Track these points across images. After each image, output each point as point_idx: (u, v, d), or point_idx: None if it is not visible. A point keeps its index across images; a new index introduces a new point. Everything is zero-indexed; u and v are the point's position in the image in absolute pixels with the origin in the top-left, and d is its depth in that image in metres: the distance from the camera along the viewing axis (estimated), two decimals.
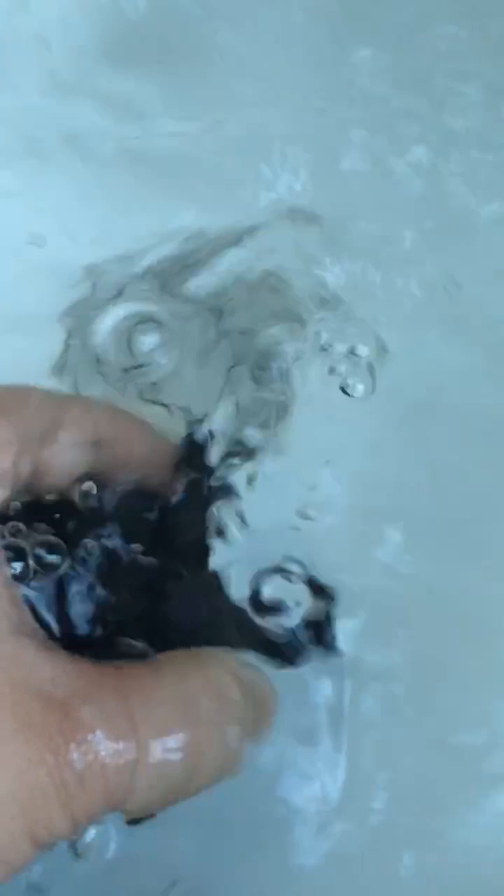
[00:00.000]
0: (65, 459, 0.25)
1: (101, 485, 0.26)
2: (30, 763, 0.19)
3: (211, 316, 0.32)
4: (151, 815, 0.24)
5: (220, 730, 0.22)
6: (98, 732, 0.20)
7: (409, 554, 0.30)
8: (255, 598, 0.27)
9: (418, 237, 0.34)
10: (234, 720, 0.23)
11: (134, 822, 0.24)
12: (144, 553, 0.26)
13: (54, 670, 0.21)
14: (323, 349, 0.31)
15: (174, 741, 0.21)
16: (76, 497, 0.26)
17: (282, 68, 0.36)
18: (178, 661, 0.23)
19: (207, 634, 0.26)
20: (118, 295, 0.32)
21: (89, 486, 0.26)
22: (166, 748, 0.21)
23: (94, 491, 0.26)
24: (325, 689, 0.28)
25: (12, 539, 0.25)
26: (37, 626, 0.22)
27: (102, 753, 0.20)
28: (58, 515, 0.26)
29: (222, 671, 0.23)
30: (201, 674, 0.23)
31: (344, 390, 0.31)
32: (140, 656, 0.24)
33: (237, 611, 0.27)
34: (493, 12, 0.37)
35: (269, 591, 0.27)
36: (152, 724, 0.21)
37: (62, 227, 0.34)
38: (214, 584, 0.27)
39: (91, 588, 0.25)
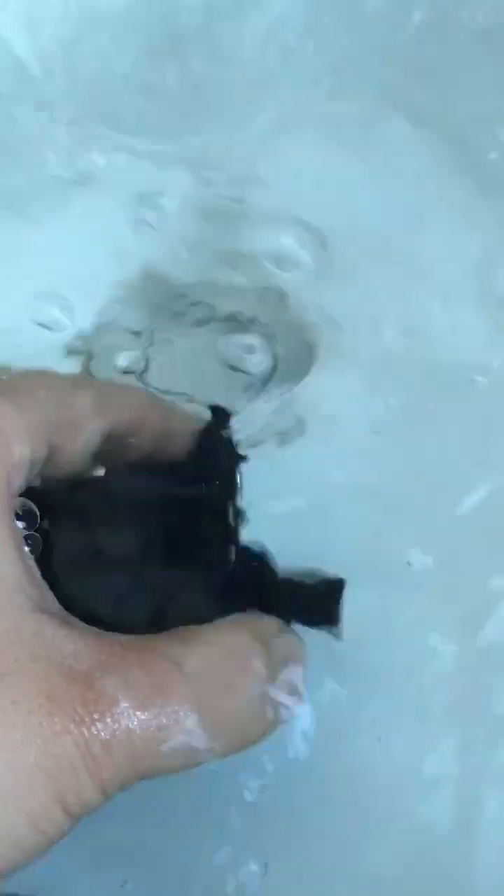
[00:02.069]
0: (79, 444, 0.25)
1: (114, 467, 0.27)
2: (55, 734, 0.20)
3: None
4: None
5: (245, 696, 0.23)
6: (122, 702, 0.21)
7: None
8: None
9: None
10: (257, 688, 0.23)
11: None
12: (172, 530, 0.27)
13: (76, 644, 0.21)
14: None
15: (198, 709, 0.22)
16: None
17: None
18: (204, 632, 0.23)
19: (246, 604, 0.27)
20: None
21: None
22: (191, 716, 0.21)
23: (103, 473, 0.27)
24: None
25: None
26: (57, 603, 0.23)
27: (127, 722, 0.21)
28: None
29: (248, 639, 0.24)
30: (227, 641, 0.23)
31: None
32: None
33: (278, 583, 0.28)
34: None
35: None
36: (177, 692, 0.21)
37: None
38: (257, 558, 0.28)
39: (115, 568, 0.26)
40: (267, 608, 0.27)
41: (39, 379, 0.26)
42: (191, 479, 0.28)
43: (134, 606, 0.26)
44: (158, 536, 0.27)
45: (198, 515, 0.28)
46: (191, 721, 0.21)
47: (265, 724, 0.23)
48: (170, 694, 0.21)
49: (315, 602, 0.29)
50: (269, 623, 0.25)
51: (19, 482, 0.24)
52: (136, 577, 0.26)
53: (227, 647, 0.23)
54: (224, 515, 0.28)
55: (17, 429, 0.24)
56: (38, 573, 0.23)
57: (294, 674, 0.24)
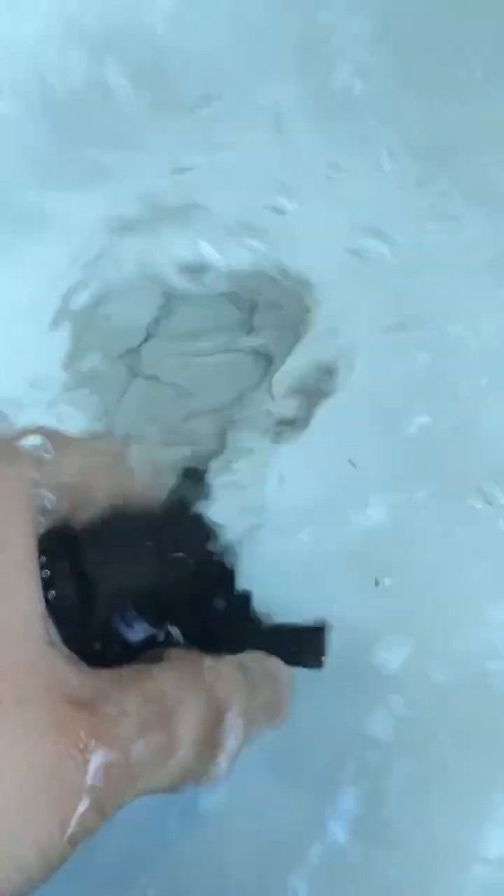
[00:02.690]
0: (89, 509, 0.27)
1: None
2: (60, 759, 0.21)
3: None
4: None
5: (244, 732, 0.25)
6: (120, 728, 0.22)
7: None
8: None
9: None
10: (240, 709, 0.25)
11: None
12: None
13: (80, 678, 0.23)
14: None
15: (192, 731, 0.24)
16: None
17: None
18: (185, 658, 0.25)
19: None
20: None
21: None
22: (184, 738, 0.23)
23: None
24: None
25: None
26: (59, 638, 0.24)
27: (126, 747, 0.22)
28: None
29: (227, 663, 0.26)
30: (207, 667, 0.25)
31: None
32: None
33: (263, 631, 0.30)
34: None
35: None
36: (170, 718, 0.23)
37: None
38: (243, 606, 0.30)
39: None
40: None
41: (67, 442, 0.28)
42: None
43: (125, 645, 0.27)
44: (150, 582, 0.28)
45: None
46: (185, 744, 0.23)
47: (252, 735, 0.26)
48: (164, 720, 0.23)
49: (300, 643, 0.30)
50: (257, 659, 0.27)
51: (44, 525, 0.26)
52: (127, 620, 0.27)
53: (211, 672, 0.25)
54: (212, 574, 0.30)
55: (50, 482, 0.26)
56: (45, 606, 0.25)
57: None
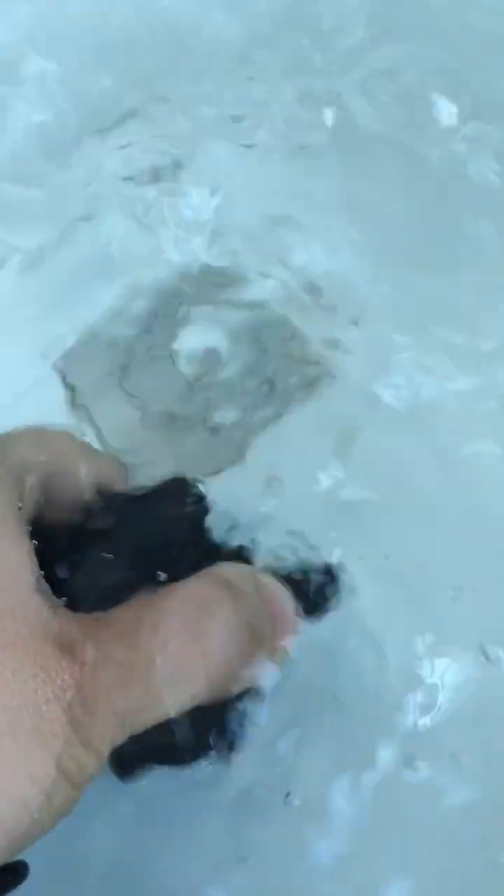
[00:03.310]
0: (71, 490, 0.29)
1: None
2: (48, 700, 0.22)
3: None
4: (142, 770, 0.27)
5: (212, 646, 0.25)
6: (101, 668, 0.23)
7: None
8: None
9: None
10: (243, 625, 0.25)
11: (127, 776, 0.27)
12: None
13: (62, 622, 0.24)
14: None
15: (181, 655, 0.24)
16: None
17: None
18: (176, 588, 0.26)
19: None
20: None
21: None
22: (173, 663, 0.24)
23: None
24: None
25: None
26: (49, 587, 0.25)
27: (108, 685, 0.23)
28: None
29: (214, 589, 0.26)
30: (194, 592, 0.25)
31: None
32: None
33: None
34: None
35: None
36: (154, 647, 0.24)
37: None
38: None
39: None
40: None
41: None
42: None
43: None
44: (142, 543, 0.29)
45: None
46: (163, 674, 0.24)
47: (231, 676, 0.25)
48: (142, 655, 0.24)
49: (309, 593, 0.30)
50: (240, 571, 0.27)
51: (27, 496, 0.27)
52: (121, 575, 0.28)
53: (194, 599, 0.25)
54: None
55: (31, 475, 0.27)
56: (35, 559, 0.25)
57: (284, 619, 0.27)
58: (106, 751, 0.23)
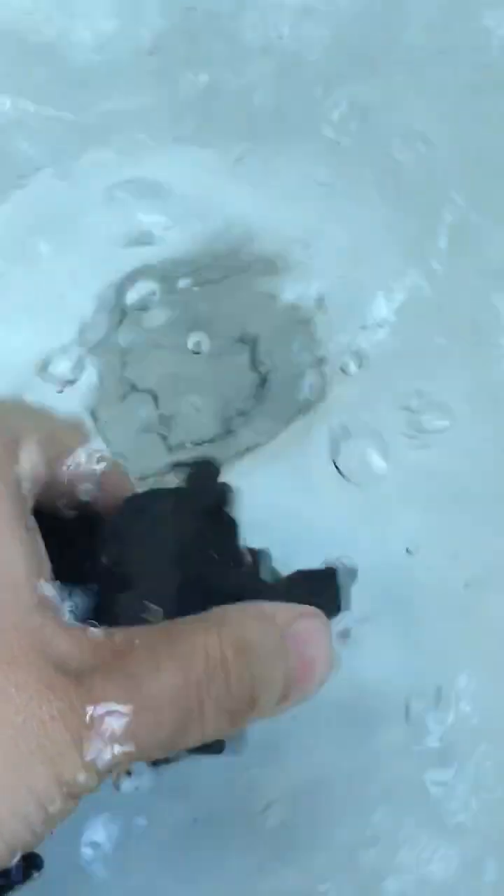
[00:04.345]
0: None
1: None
2: (52, 718, 0.22)
3: None
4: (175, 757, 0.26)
5: (215, 695, 0.24)
6: (106, 698, 0.23)
7: None
8: None
9: None
10: (226, 687, 0.24)
11: (156, 763, 0.27)
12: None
13: (69, 645, 0.23)
14: None
15: (168, 703, 0.23)
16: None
17: None
18: (181, 634, 0.25)
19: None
20: None
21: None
22: (160, 709, 0.23)
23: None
24: None
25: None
26: (60, 602, 0.25)
27: (111, 716, 0.23)
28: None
29: (258, 630, 0.25)
30: (200, 642, 0.24)
31: None
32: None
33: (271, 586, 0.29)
34: None
35: None
36: (149, 689, 0.23)
37: None
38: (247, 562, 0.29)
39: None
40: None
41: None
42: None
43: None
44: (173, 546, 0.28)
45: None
46: (160, 714, 0.23)
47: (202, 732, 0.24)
48: (147, 692, 0.23)
49: (312, 593, 0.30)
50: (265, 628, 0.25)
51: (29, 485, 0.26)
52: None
53: (195, 666, 0.24)
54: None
55: (29, 439, 0.27)
56: (48, 568, 0.25)
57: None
58: (107, 775, 0.23)
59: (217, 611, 0.25)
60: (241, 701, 0.24)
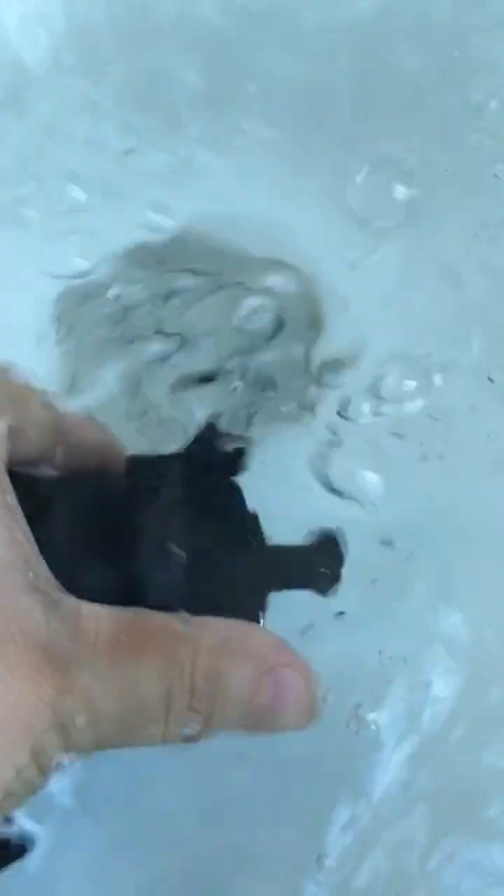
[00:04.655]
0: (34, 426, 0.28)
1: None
2: (40, 701, 0.22)
3: None
4: None
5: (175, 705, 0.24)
6: (89, 689, 0.23)
7: None
8: None
9: None
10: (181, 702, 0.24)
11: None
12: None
13: (58, 630, 0.23)
14: None
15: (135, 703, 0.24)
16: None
17: None
18: (159, 633, 0.25)
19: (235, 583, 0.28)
20: None
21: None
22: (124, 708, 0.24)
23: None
24: None
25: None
26: (52, 581, 0.25)
27: (94, 705, 0.23)
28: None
29: (197, 662, 0.25)
30: (179, 654, 0.25)
31: None
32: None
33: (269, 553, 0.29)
34: None
35: None
36: (124, 685, 0.24)
37: None
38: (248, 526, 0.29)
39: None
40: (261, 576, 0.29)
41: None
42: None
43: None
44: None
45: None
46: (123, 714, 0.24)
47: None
48: (123, 688, 0.24)
49: (312, 563, 0.30)
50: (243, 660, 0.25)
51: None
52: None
53: (164, 666, 0.24)
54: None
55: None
56: (36, 551, 0.25)
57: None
58: (83, 755, 0.24)
59: (206, 626, 0.25)
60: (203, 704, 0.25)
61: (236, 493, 0.30)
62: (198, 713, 0.25)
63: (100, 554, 0.27)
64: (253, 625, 0.27)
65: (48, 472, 0.29)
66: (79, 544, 0.27)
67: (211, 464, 0.31)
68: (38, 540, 0.25)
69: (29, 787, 0.23)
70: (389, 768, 0.31)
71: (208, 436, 0.32)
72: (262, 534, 0.29)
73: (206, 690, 0.25)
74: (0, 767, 0.22)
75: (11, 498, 0.25)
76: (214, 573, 0.28)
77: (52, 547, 0.25)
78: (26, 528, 0.25)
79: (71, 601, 0.25)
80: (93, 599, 0.25)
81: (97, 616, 0.24)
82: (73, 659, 0.23)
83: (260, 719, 0.25)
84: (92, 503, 0.28)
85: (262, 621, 0.28)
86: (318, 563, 0.30)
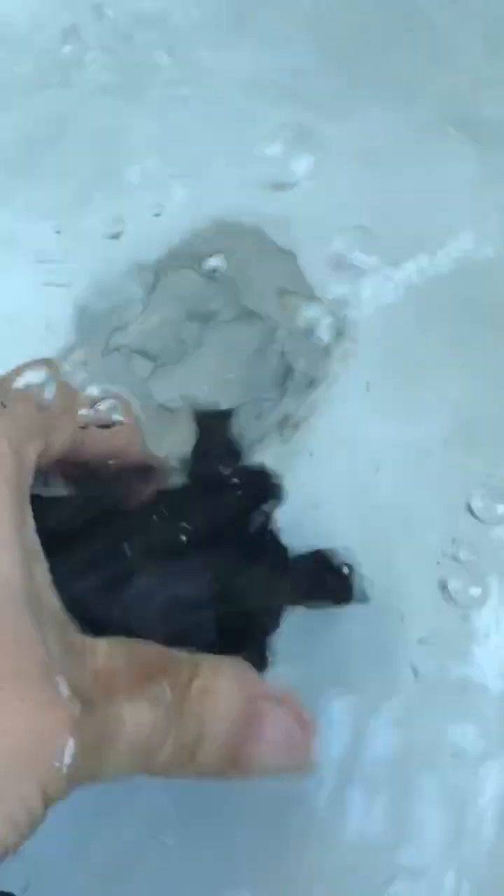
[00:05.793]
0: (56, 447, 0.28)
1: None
2: (43, 735, 0.23)
3: None
4: None
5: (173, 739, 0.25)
6: (102, 721, 0.24)
7: None
8: None
9: None
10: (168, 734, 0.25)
11: None
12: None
13: (73, 666, 0.24)
14: None
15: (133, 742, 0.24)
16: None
17: None
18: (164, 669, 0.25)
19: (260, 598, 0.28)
20: None
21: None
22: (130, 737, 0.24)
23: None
24: None
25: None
26: (65, 614, 0.25)
27: (105, 737, 0.24)
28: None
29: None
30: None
31: None
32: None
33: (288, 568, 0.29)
34: None
35: None
36: (124, 717, 0.24)
37: None
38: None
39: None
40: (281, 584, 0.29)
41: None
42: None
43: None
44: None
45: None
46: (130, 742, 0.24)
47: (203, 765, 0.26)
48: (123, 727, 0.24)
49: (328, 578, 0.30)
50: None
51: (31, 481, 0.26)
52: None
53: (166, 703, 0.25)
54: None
55: (31, 430, 0.27)
56: (48, 579, 0.25)
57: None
58: (79, 786, 0.24)
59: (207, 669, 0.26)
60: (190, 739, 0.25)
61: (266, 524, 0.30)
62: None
63: (110, 587, 0.27)
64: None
65: (56, 487, 0.29)
66: (88, 578, 0.27)
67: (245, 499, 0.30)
68: (51, 569, 0.25)
69: (34, 819, 0.23)
70: None
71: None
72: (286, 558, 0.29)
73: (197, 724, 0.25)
74: (9, 799, 0.23)
75: (32, 532, 0.25)
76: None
77: (62, 578, 0.25)
78: (45, 564, 0.25)
79: (81, 637, 0.25)
80: (103, 632, 0.25)
81: (110, 651, 0.25)
82: (87, 692, 0.24)
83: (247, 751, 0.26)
84: (104, 532, 0.28)
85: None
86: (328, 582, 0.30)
